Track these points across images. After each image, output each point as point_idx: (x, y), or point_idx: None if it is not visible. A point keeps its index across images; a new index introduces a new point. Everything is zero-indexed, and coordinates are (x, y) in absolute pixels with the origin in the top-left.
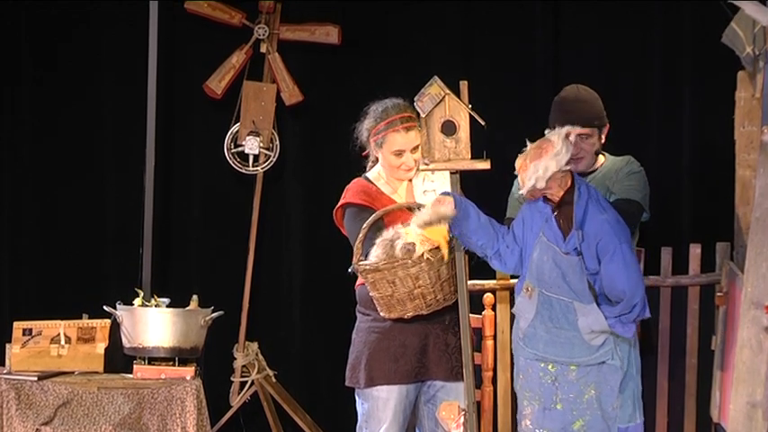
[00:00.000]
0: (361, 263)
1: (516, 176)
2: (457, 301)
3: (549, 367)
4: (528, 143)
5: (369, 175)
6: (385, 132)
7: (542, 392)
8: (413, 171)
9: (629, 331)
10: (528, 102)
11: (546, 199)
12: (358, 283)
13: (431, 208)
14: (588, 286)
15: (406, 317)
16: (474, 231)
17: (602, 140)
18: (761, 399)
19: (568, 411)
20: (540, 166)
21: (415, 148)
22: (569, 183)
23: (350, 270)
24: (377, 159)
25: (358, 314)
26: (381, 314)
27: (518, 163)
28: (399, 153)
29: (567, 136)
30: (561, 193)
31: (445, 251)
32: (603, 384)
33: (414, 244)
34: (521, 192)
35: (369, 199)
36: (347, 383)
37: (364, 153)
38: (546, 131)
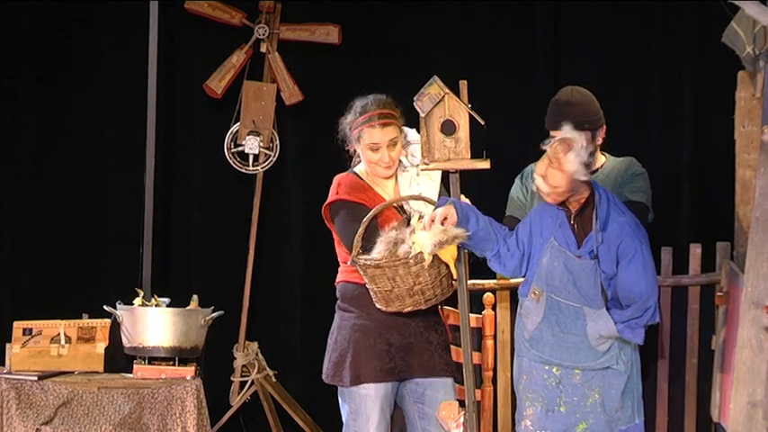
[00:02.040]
0: (361, 257)
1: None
2: (457, 298)
3: (554, 370)
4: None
5: (356, 170)
6: (362, 127)
7: (546, 394)
8: (391, 169)
9: (639, 336)
10: (528, 103)
11: (560, 204)
12: (339, 279)
13: (441, 229)
14: (601, 290)
15: (404, 311)
16: (473, 234)
17: (599, 141)
18: (761, 398)
19: (572, 414)
20: (577, 149)
21: (393, 144)
22: (588, 192)
23: (349, 263)
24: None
25: (338, 311)
26: (378, 306)
27: (540, 168)
28: (375, 148)
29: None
30: (579, 203)
31: (453, 270)
32: (608, 389)
33: (422, 254)
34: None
35: (363, 195)
36: (329, 382)
37: (347, 147)
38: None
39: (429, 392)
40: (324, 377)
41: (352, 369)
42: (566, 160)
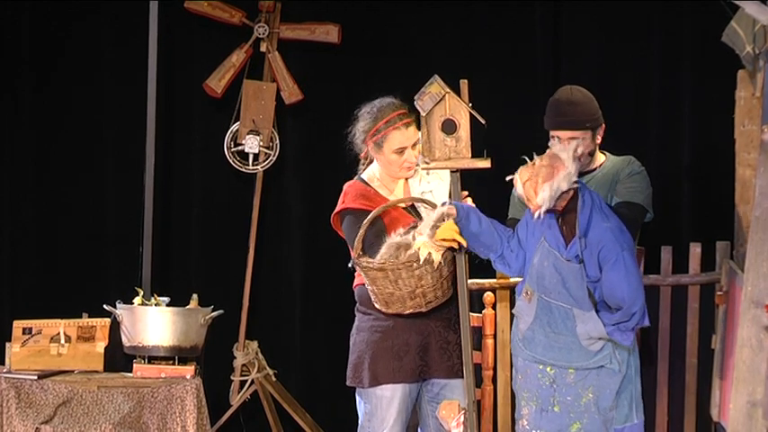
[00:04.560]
0: (363, 259)
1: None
2: (457, 297)
3: (548, 369)
4: (536, 156)
5: (364, 176)
6: (385, 131)
7: (540, 394)
8: (412, 169)
9: (628, 339)
10: (528, 103)
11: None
12: (356, 283)
13: (427, 219)
14: (588, 294)
15: (404, 313)
16: (476, 236)
17: (598, 140)
18: (761, 398)
19: (566, 414)
20: (554, 186)
21: (414, 144)
22: (572, 192)
23: (350, 265)
24: (371, 161)
25: (358, 314)
26: (377, 306)
27: (523, 175)
28: (401, 151)
29: (575, 151)
30: (564, 202)
31: (462, 240)
32: (602, 388)
33: (430, 254)
34: (536, 214)
35: (367, 202)
36: (349, 383)
37: (362, 155)
38: (550, 143)
39: (444, 393)
40: (346, 380)
41: (371, 370)
42: (541, 189)
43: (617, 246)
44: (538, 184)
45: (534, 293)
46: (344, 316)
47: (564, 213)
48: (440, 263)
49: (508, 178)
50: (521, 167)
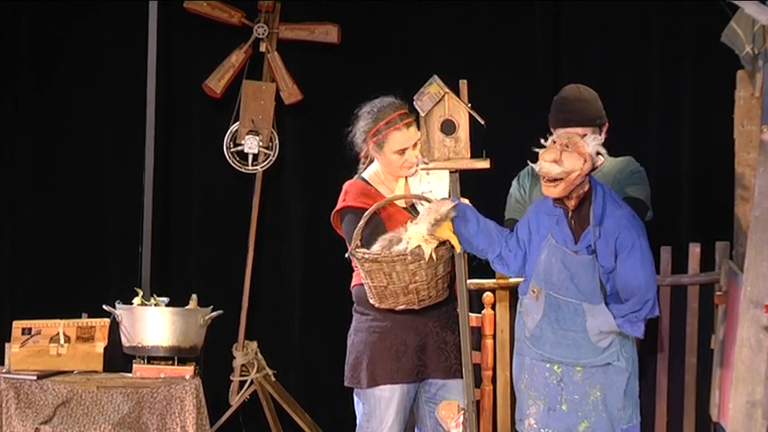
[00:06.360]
0: (359, 250)
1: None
2: (454, 298)
3: (555, 368)
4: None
5: (365, 175)
6: (386, 132)
7: (547, 393)
8: (413, 168)
9: (639, 330)
10: (528, 103)
11: (558, 201)
12: (354, 283)
13: (428, 211)
14: (600, 286)
15: (396, 309)
16: (474, 235)
17: (603, 139)
18: (760, 398)
19: (573, 412)
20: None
21: (415, 144)
22: (587, 187)
23: (347, 255)
24: (372, 160)
25: (355, 314)
26: (371, 301)
27: (553, 153)
28: (402, 151)
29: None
30: (584, 191)
31: (456, 243)
32: (609, 386)
33: (420, 247)
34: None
35: (368, 201)
36: (347, 384)
37: (362, 155)
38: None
39: (441, 393)
40: (344, 380)
41: (369, 371)
42: (584, 143)
43: (633, 232)
44: (578, 143)
45: (542, 291)
46: (344, 316)
47: (577, 208)
48: (431, 257)
49: (537, 169)
50: (543, 151)
